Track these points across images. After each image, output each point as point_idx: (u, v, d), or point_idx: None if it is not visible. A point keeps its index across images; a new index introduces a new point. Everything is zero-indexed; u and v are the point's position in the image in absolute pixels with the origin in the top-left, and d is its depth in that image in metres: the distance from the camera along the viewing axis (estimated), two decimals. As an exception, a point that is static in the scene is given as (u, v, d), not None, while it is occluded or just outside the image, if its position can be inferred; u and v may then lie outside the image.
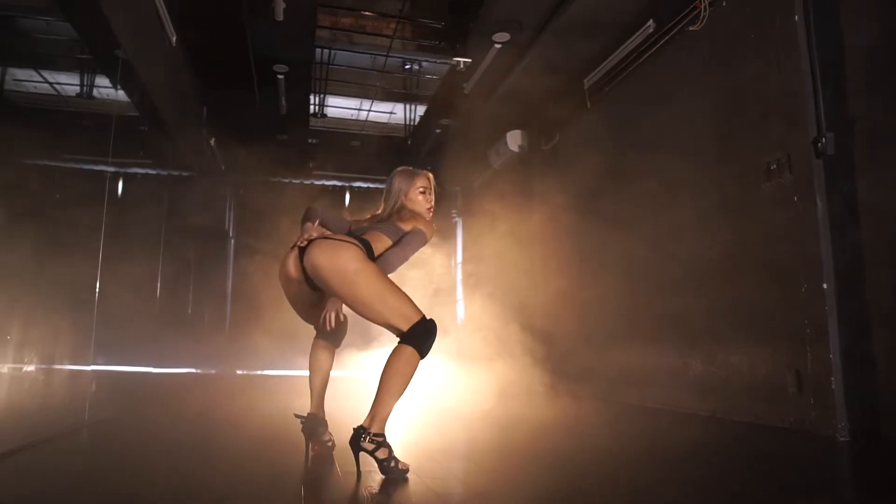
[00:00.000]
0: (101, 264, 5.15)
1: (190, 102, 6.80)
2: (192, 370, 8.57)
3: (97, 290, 5.10)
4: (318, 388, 2.79)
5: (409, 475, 2.28)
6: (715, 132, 4.20)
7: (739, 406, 3.84)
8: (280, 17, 5.44)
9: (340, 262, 2.34)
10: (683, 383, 4.39)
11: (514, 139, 7.39)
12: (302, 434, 2.71)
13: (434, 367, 6.55)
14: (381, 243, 2.55)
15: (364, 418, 2.28)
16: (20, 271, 4.12)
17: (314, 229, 2.47)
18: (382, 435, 2.27)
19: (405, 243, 2.58)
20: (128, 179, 7.90)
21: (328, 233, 2.47)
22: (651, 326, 4.83)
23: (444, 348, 7.62)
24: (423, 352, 2.38)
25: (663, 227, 4.73)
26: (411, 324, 2.37)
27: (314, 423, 2.72)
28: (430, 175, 2.85)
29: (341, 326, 2.82)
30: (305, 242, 2.42)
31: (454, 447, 3.24)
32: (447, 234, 9.99)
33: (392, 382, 2.29)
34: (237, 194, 9.41)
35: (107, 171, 5.57)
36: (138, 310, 6.75)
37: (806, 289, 3.34)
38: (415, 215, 2.69)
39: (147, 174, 8.23)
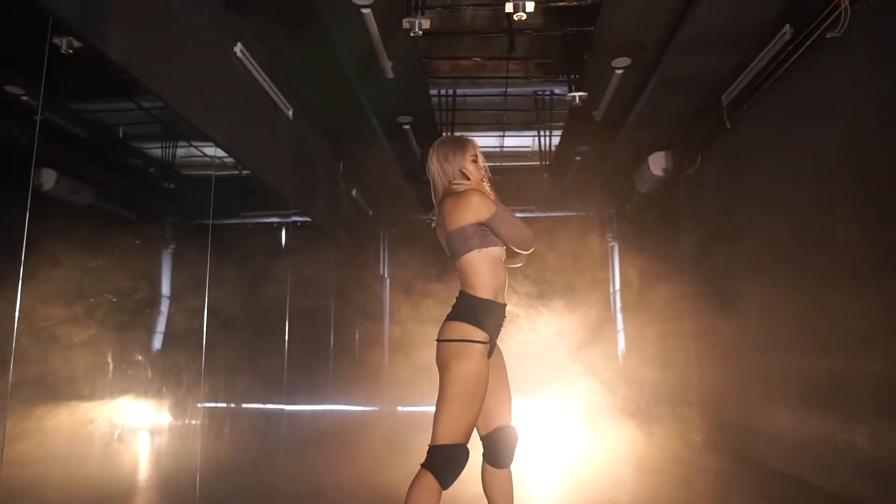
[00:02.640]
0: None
1: (323, 162, 7.01)
2: (359, 407, 8.90)
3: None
4: None
5: None
6: (879, 157, 3.41)
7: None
8: (390, 74, 5.40)
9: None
10: (853, 466, 3.60)
11: (657, 162, 6.75)
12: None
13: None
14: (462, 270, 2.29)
15: None
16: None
17: None
18: None
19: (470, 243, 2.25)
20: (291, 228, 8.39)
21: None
22: (810, 387, 4.05)
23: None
24: (443, 482, 2.08)
25: (818, 272, 3.95)
26: (438, 442, 2.10)
27: None
28: (473, 140, 2.50)
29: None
30: None
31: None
32: (603, 260, 9.43)
33: None
34: (388, 237, 9.62)
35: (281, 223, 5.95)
36: (318, 354, 7.21)
37: None
38: (468, 191, 2.29)
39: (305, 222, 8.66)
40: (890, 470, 3.26)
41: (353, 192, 7.97)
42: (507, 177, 8.73)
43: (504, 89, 6.51)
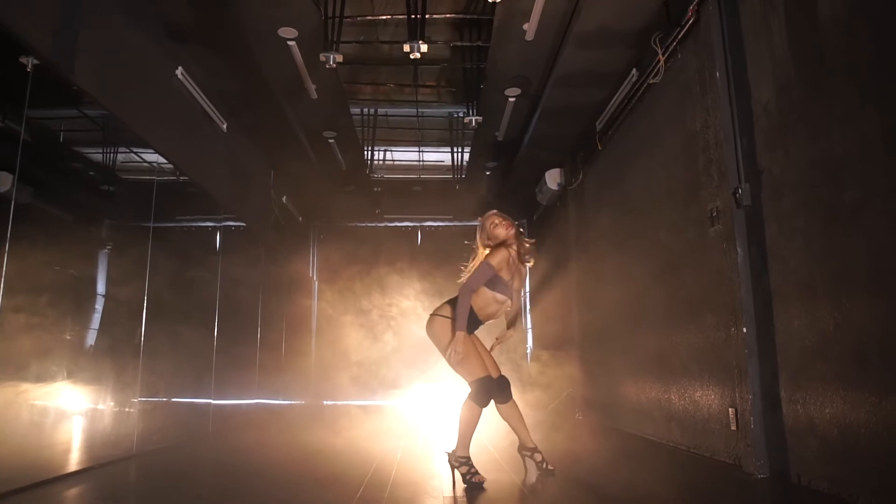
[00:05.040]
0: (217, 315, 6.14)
1: (256, 171, 7.71)
2: (287, 402, 9.48)
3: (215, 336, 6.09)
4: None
5: (484, 485, 3.23)
6: (683, 177, 4.41)
7: (702, 442, 4.02)
8: (314, 95, 6.20)
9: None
10: (669, 417, 4.58)
11: (552, 178, 7.73)
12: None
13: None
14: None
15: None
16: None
17: None
18: (464, 457, 3.34)
19: (468, 280, 3.49)
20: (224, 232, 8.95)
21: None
22: (646, 361, 5.03)
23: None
24: (479, 402, 3.38)
25: (652, 265, 4.95)
26: (473, 378, 3.39)
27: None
28: (495, 212, 3.72)
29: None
30: None
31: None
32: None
33: (460, 422, 3.38)
34: (317, 242, 10.36)
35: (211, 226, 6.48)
36: (244, 350, 7.66)
37: (733, 331, 3.53)
38: (495, 249, 3.53)
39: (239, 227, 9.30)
40: (690, 418, 4.24)
41: (284, 199, 8.69)
42: (427, 188, 9.62)
43: (419, 111, 7.40)
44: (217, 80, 5.89)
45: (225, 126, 6.28)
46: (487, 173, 8.75)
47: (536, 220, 9.61)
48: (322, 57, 5.04)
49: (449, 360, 3.41)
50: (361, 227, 10.38)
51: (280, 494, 3.20)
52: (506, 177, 8.71)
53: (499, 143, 7.51)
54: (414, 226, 10.59)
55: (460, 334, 3.36)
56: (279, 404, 9.16)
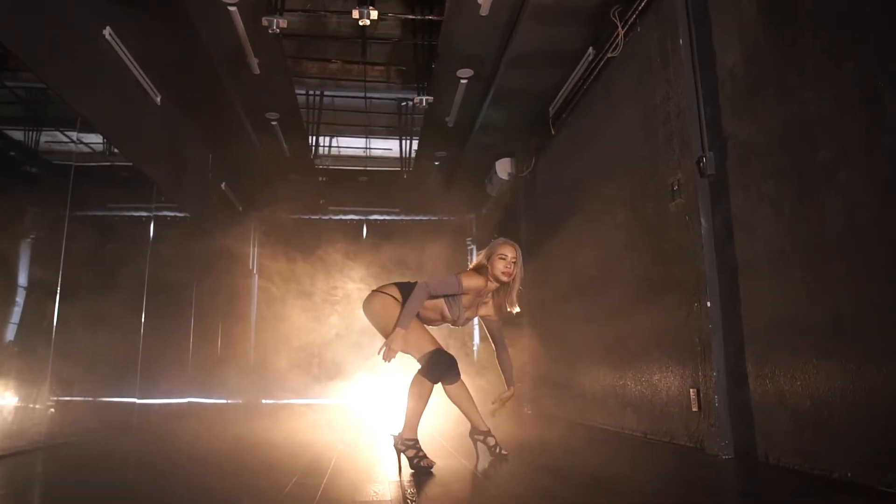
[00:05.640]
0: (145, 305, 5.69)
1: (193, 152, 7.28)
2: (223, 401, 9.02)
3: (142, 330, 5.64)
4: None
5: (433, 469, 2.93)
6: (641, 153, 4.27)
7: (660, 426, 3.86)
8: (256, 70, 5.85)
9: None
10: (625, 404, 4.42)
11: (503, 167, 7.56)
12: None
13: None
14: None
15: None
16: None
17: None
18: (411, 440, 3.02)
19: (432, 279, 3.17)
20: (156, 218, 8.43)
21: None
22: (600, 347, 4.87)
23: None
24: (431, 377, 3.09)
25: (607, 248, 4.80)
26: (424, 353, 3.10)
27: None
28: (516, 247, 3.28)
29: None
30: None
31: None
32: (462, 263, 10.18)
33: (408, 401, 3.08)
34: (258, 233, 9.94)
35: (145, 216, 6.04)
36: (175, 348, 7.24)
37: (696, 307, 3.37)
38: (477, 270, 3.27)
39: (175, 217, 8.79)
40: (647, 402, 4.08)
41: (223, 186, 8.27)
42: (374, 179, 9.33)
43: (366, 94, 7.10)
44: (150, 46, 5.47)
45: (159, 99, 5.86)
46: (437, 163, 8.51)
47: (485, 214, 9.43)
48: (265, 21, 4.72)
49: (383, 354, 3.05)
50: (305, 219, 10.00)
51: (208, 483, 2.88)
52: (455, 168, 8.49)
53: (449, 130, 7.28)
54: (359, 219, 10.27)
55: (399, 332, 3.05)
56: (214, 403, 8.75)
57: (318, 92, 7.40)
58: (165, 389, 6.69)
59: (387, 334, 3.13)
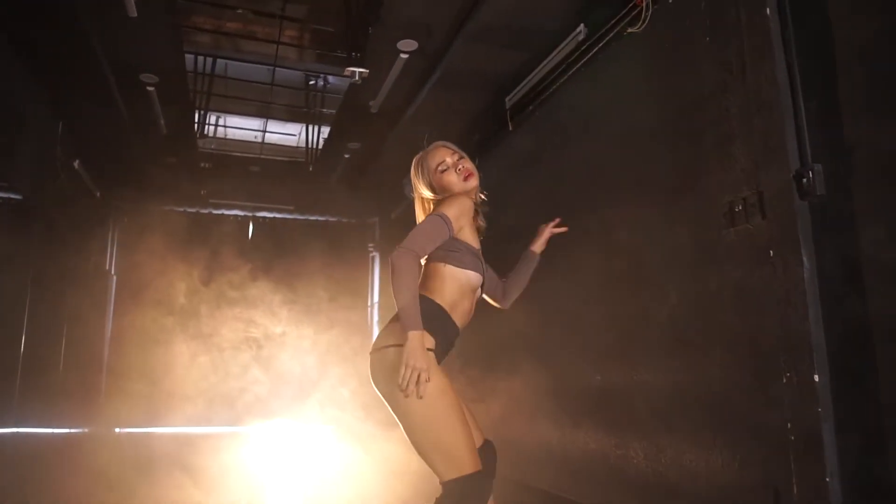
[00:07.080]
0: None
1: (35, 117, 5.60)
2: (61, 430, 7.37)
3: None
4: None
5: None
6: (663, 160, 3.30)
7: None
8: (133, 12, 4.37)
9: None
10: (624, 479, 3.43)
11: (431, 166, 6.44)
12: None
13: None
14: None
15: None
16: None
17: None
18: None
19: (409, 238, 1.99)
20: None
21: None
22: (583, 402, 3.86)
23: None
24: None
25: (599, 277, 3.80)
26: (455, 475, 1.79)
27: None
28: (445, 143, 2.33)
29: None
30: None
31: None
32: (362, 271, 8.95)
33: None
34: (119, 226, 8.18)
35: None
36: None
37: (789, 379, 2.42)
38: (450, 198, 2.13)
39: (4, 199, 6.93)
40: (662, 483, 3.10)
41: (76, 164, 6.54)
42: (267, 169, 7.92)
43: (273, 64, 5.71)
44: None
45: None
46: (347, 156, 7.24)
47: (394, 218, 8.26)
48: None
49: (407, 384, 1.76)
50: (179, 211, 8.33)
51: None
52: (368, 162, 7.27)
53: (370, 116, 6.06)
54: (246, 215, 8.75)
55: (415, 336, 1.80)
56: (50, 433, 7.16)
57: (211, 54, 5.91)
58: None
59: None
